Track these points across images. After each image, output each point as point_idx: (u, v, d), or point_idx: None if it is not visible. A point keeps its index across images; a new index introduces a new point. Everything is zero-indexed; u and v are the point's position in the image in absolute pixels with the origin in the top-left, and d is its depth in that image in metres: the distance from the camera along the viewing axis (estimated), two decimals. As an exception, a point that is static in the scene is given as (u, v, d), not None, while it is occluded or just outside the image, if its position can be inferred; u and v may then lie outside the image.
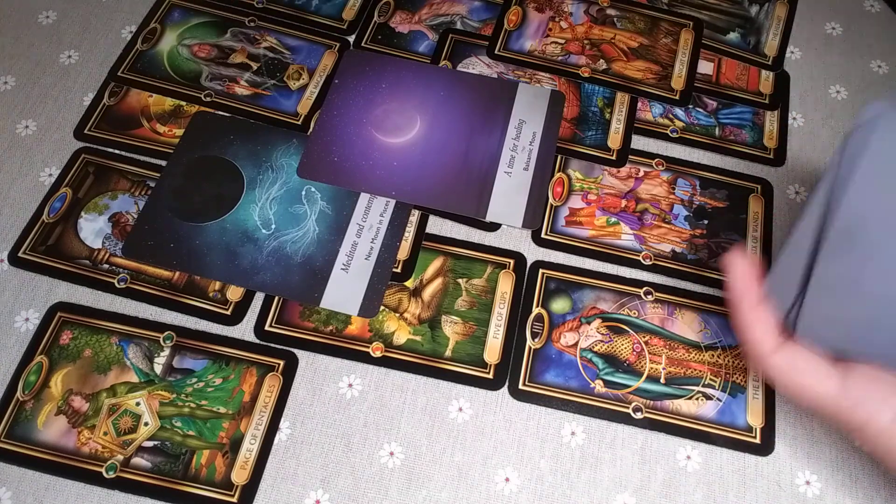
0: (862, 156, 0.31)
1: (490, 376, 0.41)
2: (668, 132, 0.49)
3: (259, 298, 0.43)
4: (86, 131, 0.48)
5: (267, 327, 0.42)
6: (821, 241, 0.32)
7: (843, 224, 0.31)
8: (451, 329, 0.43)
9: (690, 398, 0.41)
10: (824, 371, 0.33)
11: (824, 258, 0.32)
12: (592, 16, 0.54)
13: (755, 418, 0.41)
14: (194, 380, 0.41)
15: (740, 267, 0.35)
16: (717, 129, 0.50)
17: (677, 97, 0.50)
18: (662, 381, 0.41)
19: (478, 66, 0.52)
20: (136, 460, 0.39)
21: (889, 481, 0.39)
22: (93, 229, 0.45)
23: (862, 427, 0.33)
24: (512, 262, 0.45)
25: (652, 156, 0.49)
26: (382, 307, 0.43)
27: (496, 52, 0.52)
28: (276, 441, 0.40)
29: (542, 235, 0.46)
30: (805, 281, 0.33)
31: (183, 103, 0.49)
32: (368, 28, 0.53)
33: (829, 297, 0.33)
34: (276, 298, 0.43)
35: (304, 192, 0.46)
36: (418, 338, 0.42)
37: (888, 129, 0.31)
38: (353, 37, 0.53)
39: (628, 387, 0.41)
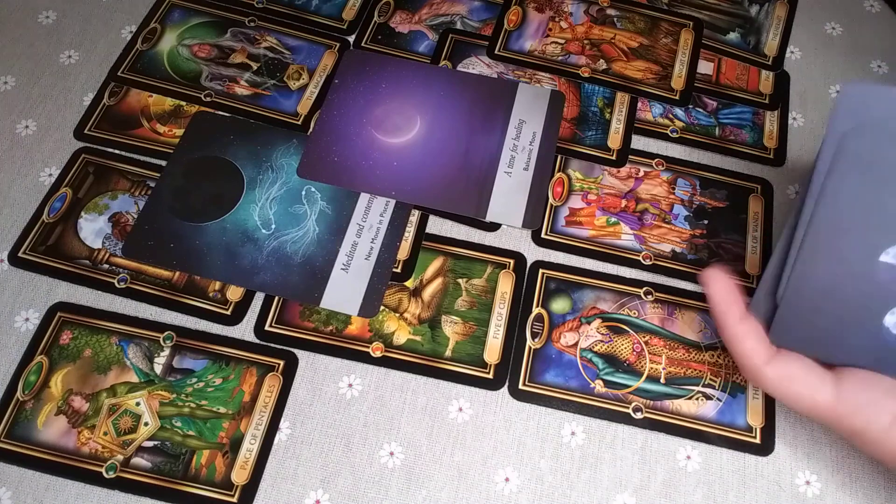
0: (838, 166, 0.32)
1: (490, 376, 0.41)
2: (668, 132, 0.50)
3: (259, 298, 0.43)
4: (86, 131, 0.48)
5: (267, 327, 0.42)
6: (797, 242, 0.33)
7: (819, 223, 0.32)
8: (451, 329, 0.43)
9: (690, 398, 0.41)
10: (818, 378, 0.33)
11: (800, 259, 0.32)
12: (592, 16, 0.54)
13: (755, 418, 0.41)
14: (194, 380, 0.41)
15: (719, 282, 0.35)
16: (717, 129, 0.50)
17: (677, 97, 0.50)
18: (662, 381, 0.41)
19: (478, 66, 0.52)
20: (136, 460, 0.39)
21: (889, 481, 0.39)
22: (93, 229, 0.45)
23: (861, 432, 0.33)
24: (512, 262, 0.45)
25: (652, 156, 0.49)
26: (382, 307, 0.43)
27: (496, 52, 0.52)
28: (276, 441, 0.40)
29: (542, 235, 0.46)
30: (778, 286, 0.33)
31: (183, 103, 0.49)
32: (368, 28, 0.53)
33: (802, 298, 0.33)
34: (276, 298, 0.43)
35: (304, 192, 0.46)
36: (418, 338, 0.42)
37: (861, 138, 0.31)
38: (353, 37, 0.53)
39: (628, 387, 0.41)
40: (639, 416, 0.41)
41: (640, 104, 0.50)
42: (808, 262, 0.32)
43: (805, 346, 0.34)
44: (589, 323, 0.43)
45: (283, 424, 0.40)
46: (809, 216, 0.32)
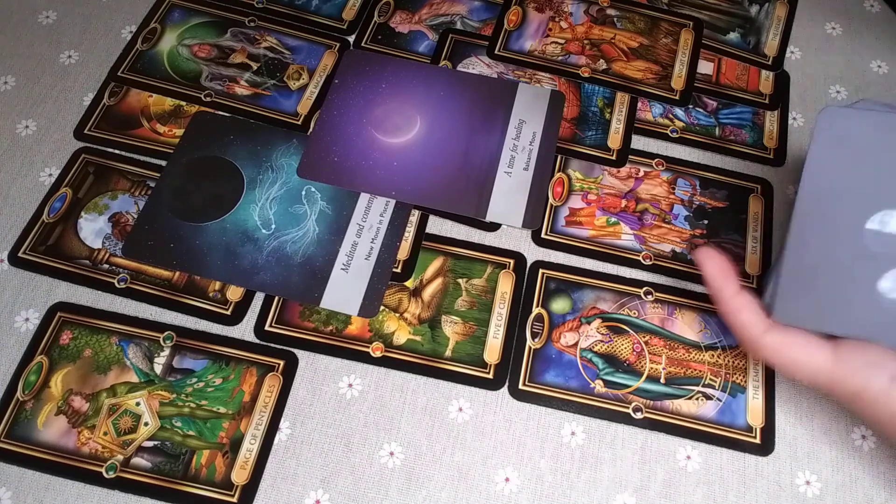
0: (814, 144, 0.34)
1: (490, 376, 0.41)
2: (668, 132, 0.50)
3: (259, 298, 0.43)
4: (86, 131, 0.48)
5: (267, 327, 0.42)
6: (790, 225, 0.34)
7: (804, 205, 0.34)
8: (451, 329, 0.43)
9: (690, 398, 0.41)
10: (816, 345, 0.34)
11: (793, 239, 0.34)
12: (592, 16, 0.54)
13: (755, 418, 0.41)
14: (194, 380, 0.41)
15: (713, 259, 0.37)
16: (717, 129, 0.50)
17: (677, 97, 0.50)
18: (662, 381, 0.41)
19: (478, 66, 0.52)
20: (136, 460, 0.39)
21: (889, 481, 0.39)
22: (93, 229, 0.45)
23: (859, 394, 0.33)
24: (512, 262, 0.45)
25: (652, 156, 0.49)
26: (382, 307, 0.43)
27: (496, 52, 0.52)
28: (276, 441, 0.40)
29: (542, 235, 0.46)
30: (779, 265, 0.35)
31: (183, 103, 0.49)
32: (368, 28, 0.53)
33: (799, 272, 0.34)
34: (276, 298, 0.43)
35: (304, 192, 0.46)
36: (418, 338, 0.42)
37: (833, 121, 0.34)
38: (353, 37, 0.53)
39: (628, 387, 0.41)
40: (639, 416, 0.41)
41: (640, 104, 0.50)
42: (801, 236, 0.34)
43: (807, 321, 0.34)
44: (589, 323, 0.43)
45: (283, 424, 0.40)
46: (800, 193, 0.34)
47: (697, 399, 0.41)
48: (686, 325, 0.43)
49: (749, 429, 0.40)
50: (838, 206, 0.33)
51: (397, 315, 0.43)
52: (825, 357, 0.34)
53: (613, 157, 0.48)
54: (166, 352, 0.41)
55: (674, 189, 0.47)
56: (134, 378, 0.41)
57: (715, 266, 0.37)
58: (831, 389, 0.34)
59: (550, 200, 0.47)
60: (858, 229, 0.33)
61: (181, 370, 0.41)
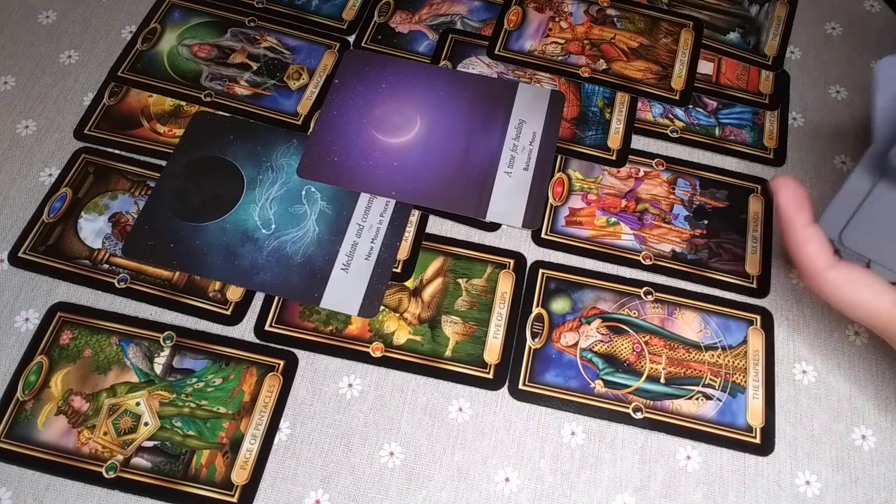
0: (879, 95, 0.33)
1: (490, 376, 0.41)
2: (668, 132, 0.50)
3: (259, 298, 0.43)
4: (86, 131, 0.48)
5: (267, 327, 0.42)
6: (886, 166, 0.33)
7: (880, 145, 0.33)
8: (451, 329, 0.43)
9: (690, 398, 0.41)
10: (880, 286, 0.34)
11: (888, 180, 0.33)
12: (592, 16, 0.54)
13: (755, 418, 0.41)
14: (194, 380, 0.41)
15: (789, 188, 0.36)
16: (717, 129, 0.50)
17: (677, 97, 0.50)
18: (662, 381, 0.41)
19: (478, 66, 0.52)
20: (136, 460, 0.39)
21: (888, 481, 0.39)
22: (93, 229, 0.45)
23: None
24: (512, 262, 0.45)
25: (652, 156, 0.49)
26: (382, 307, 0.43)
27: (496, 52, 0.52)
28: (276, 441, 0.40)
29: (542, 235, 0.46)
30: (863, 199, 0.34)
31: (183, 103, 0.49)
32: (368, 28, 0.53)
33: (884, 212, 0.34)
34: (276, 298, 0.43)
35: (304, 192, 0.46)
36: (418, 338, 0.42)
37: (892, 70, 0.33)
38: (353, 37, 0.53)
39: (628, 387, 0.41)
40: (639, 416, 0.41)
41: (640, 104, 0.50)
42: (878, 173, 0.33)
43: (873, 252, 0.34)
44: (589, 323, 0.43)
45: (283, 424, 0.40)
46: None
47: (697, 399, 0.41)
48: (686, 325, 0.43)
49: (749, 429, 0.40)
50: None
51: (397, 315, 0.43)
52: (888, 300, 0.33)
53: (613, 157, 0.48)
54: (166, 352, 0.41)
55: (674, 189, 0.47)
56: (134, 378, 0.41)
57: (789, 195, 0.36)
58: (888, 333, 0.34)
59: (550, 200, 0.47)
60: None
61: (181, 370, 0.41)
